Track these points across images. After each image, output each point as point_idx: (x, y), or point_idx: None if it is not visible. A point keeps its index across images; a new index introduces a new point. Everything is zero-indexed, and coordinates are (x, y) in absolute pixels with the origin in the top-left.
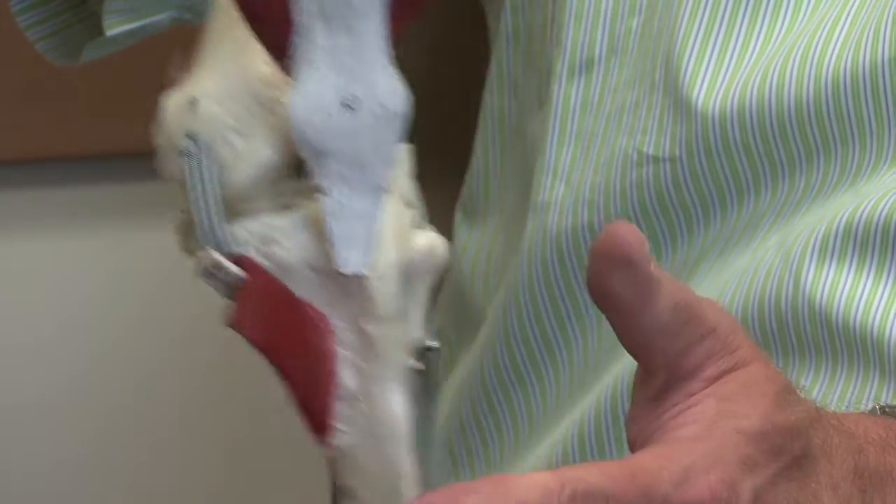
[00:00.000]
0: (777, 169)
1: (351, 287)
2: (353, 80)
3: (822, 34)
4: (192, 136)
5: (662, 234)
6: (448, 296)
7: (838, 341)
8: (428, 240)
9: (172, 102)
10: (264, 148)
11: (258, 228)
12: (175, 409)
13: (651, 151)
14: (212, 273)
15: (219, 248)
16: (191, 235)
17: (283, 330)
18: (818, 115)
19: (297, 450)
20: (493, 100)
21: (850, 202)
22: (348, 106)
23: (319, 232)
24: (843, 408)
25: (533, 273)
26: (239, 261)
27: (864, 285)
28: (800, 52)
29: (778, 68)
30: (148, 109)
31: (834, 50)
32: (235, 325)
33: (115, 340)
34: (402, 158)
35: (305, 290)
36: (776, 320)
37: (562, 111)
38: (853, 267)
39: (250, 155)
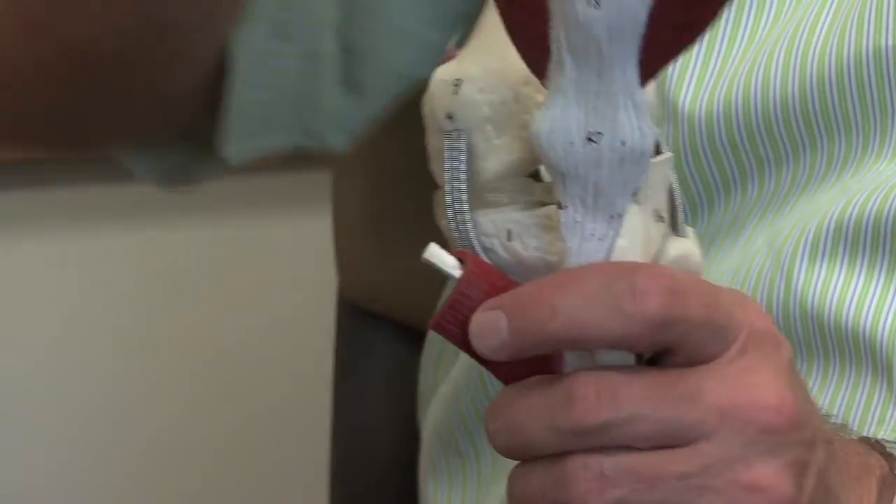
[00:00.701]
0: (763, 164)
1: None
2: (598, 119)
3: (805, 26)
4: (451, 118)
5: None
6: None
7: (830, 342)
8: (679, 249)
9: (440, 76)
10: (515, 145)
11: (503, 222)
12: (173, 409)
13: None
14: (432, 264)
15: (460, 231)
16: (441, 209)
17: None
18: (804, 110)
19: (294, 450)
20: None
21: (839, 199)
22: (591, 141)
23: (559, 236)
24: (835, 409)
25: None
26: (462, 255)
27: (856, 285)
28: (784, 46)
29: (763, 64)
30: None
31: (818, 42)
32: (436, 327)
33: (113, 340)
34: (664, 170)
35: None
36: None
37: None
38: (844, 266)
39: (502, 149)
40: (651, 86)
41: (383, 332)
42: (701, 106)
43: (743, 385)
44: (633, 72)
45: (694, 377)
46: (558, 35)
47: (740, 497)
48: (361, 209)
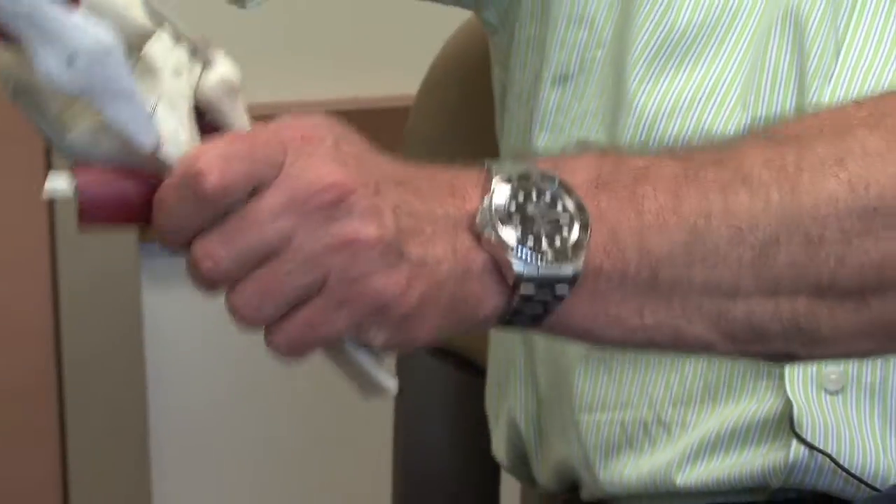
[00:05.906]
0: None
1: (155, 162)
2: (59, 40)
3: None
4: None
5: None
6: None
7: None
8: (218, 74)
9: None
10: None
11: (82, 139)
12: (174, 414)
13: (602, 139)
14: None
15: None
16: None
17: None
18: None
19: (296, 455)
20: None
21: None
22: (71, 63)
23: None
24: None
25: None
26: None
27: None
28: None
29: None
30: None
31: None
32: (80, 223)
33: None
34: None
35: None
36: None
37: (543, 110)
38: (670, 74)
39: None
40: None
41: (439, 360)
42: (652, 105)
43: (296, 184)
44: None
45: (253, 204)
46: None
47: (342, 258)
48: None
